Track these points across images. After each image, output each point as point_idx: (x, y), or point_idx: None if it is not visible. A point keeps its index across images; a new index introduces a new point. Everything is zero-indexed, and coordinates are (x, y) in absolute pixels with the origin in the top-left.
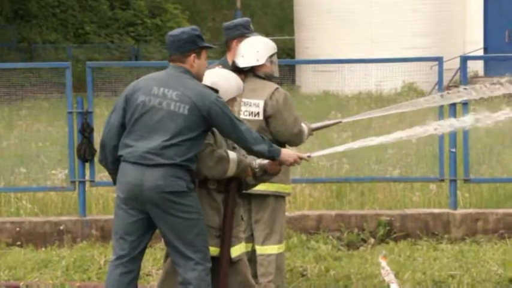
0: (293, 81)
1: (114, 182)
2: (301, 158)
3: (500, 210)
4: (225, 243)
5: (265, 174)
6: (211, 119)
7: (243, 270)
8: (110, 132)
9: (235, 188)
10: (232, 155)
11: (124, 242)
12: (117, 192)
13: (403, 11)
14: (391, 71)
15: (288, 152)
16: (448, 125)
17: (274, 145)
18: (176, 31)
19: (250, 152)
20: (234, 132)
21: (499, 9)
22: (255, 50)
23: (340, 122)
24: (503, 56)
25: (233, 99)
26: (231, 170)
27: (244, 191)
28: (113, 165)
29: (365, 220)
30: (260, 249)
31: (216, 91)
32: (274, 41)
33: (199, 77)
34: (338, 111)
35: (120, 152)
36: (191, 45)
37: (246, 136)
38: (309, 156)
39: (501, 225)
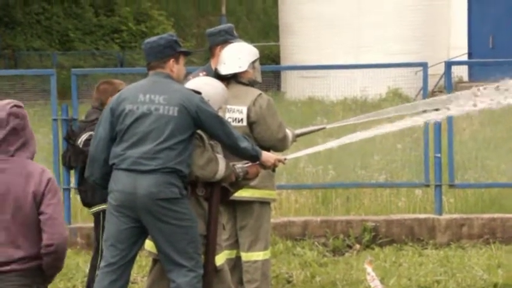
0: (278, 87)
1: None
2: (279, 161)
3: (485, 216)
4: (210, 251)
5: (244, 179)
6: (199, 119)
7: (227, 279)
8: (99, 146)
9: (218, 195)
10: (220, 157)
11: (115, 249)
12: (109, 200)
13: (388, 17)
14: (376, 76)
15: (267, 154)
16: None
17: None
18: (153, 38)
19: (237, 149)
20: (222, 129)
21: (483, 14)
22: (236, 56)
23: (325, 127)
24: (487, 61)
25: (219, 109)
26: (220, 172)
27: (226, 199)
28: (102, 180)
29: (350, 226)
30: (246, 256)
31: (199, 93)
32: (260, 47)
33: (179, 82)
34: (324, 117)
35: (112, 161)
36: (169, 51)
37: (234, 133)
38: (285, 159)
39: (486, 231)
